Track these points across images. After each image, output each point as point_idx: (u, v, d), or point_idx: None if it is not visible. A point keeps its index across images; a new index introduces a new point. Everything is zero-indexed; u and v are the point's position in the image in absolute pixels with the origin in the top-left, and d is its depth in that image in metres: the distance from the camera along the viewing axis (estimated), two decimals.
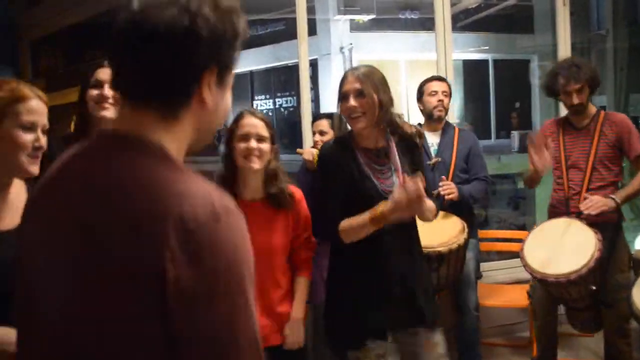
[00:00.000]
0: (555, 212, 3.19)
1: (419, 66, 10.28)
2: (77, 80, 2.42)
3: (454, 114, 4.05)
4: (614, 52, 7.89)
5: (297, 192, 2.45)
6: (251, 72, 14.05)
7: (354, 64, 11.66)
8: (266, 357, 2.28)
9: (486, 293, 3.66)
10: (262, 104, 14.11)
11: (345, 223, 2.23)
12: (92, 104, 2.25)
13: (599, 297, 2.94)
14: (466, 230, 2.96)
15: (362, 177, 2.25)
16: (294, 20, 3.82)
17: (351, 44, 11.75)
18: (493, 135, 13.44)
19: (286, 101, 13.96)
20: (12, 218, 1.57)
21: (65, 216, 0.91)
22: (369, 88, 2.23)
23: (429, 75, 3.57)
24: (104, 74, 2.22)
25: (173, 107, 0.95)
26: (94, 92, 2.24)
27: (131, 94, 0.95)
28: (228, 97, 1.02)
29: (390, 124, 2.30)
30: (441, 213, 2.95)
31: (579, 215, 3.01)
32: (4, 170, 1.60)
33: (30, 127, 1.57)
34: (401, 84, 12.63)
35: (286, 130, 13.03)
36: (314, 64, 11.41)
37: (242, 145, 2.29)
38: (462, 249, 2.93)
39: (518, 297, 3.62)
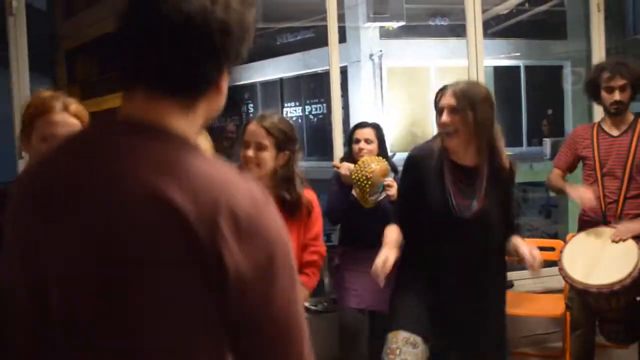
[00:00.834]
0: (588, 221, 3.12)
1: (450, 73, 10.20)
2: (112, 88, 2.47)
3: None
4: None
5: (313, 199, 2.46)
6: (281, 80, 14.12)
7: (384, 71, 11.68)
8: None
9: (517, 302, 3.61)
10: (292, 111, 14.17)
11: (388, 231, 2.30)
12: None
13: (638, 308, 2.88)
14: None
15: (440, 192, 2.24)
16: (324, 27, 3.84)
17: (381, 51, 11.73)
18: (524, 142, 13.25)
19: (316, 108, 13.99)
20: None
21: (94, 211, 0.86)
22: (464, 104, 2.16)
23: None
24: None
25: (195, 96, 0.95)
26: None
27: (154, 83, 0.92)
28: (226, 82, 1.02)
29: (488, 145, 2.25)
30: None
31: (616, 224, 2.95)
32: None
33: (51, 139, 1.60)
34: (431, 91, 12.57)
35: (315, 137, 13.06)
36: (343, 71, 11.42)
37: (242, 152, 2.35)
38: None
39: (550, 306, 3.56)
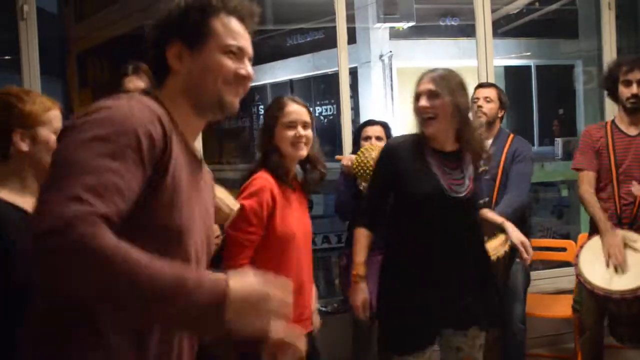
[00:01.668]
0: None
1: (460, 73, 10.16)
2: (123, 90, 2.48)
3: None
4: None
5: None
6: (291, 81, 14.13)
7: (394, 72, 11.65)
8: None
9: (529, 303, 3.58)
10: None
11: (357, 235, 2.32)
12: None
13: None
14: (508, 242, 2.90)
15: (428, 176, 2.22)
16: (334, 29, 3.83)
17: (391, 51, 11.70)
18: (536, 142, 13.17)
19: (326, 109, 13.98)
20: None
21: None
22: (443, 90, 2.18)
23: (470, 83, 3.53)
24: (131, 82, 2.24)
25: (159, 76, 1.30)
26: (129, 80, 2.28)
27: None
28: (211, 58, 1.25)
29: (467, 130, 2.26)
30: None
31: (631, 226, 2.90)
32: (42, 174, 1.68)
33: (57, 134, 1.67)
34: None
35: (326, 138, 13.05)
36: (353, 72, 11.41)
37: (289, 132, 2.26)
38: (503, 261, 2.87)
39: (562, 307, 3.54)
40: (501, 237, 2.93)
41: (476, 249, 2.35)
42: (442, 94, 2.17)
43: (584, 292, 3.03)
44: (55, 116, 1.72)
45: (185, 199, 1.17)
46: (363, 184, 3.02)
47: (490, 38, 3.97)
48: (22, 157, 1.68)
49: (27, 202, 1.62)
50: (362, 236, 2.34)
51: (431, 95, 2.18)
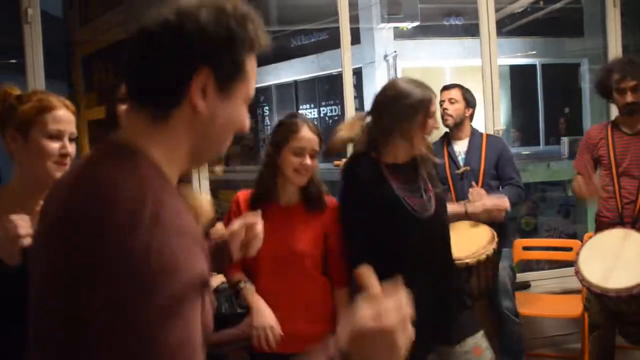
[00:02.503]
0: (604, 221, 3.08)
1: (465, 73, 10.16)
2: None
3: (500, 120, 3.99)
4: None
5: (332, 201, 2.39)
6: (295, 82, 14.14)
7: (399, 72, 11.64)
8: None
9: (535, 303, 3.57)
10: (307, 113, 14.18)
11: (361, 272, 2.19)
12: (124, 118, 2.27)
13: None
14: (496, 239, 2.88)
15: (393, 201, 2.17)
16: (338, 29, 3.83)
17: (395, 51, 11.69)
18: (542, 141, 13.14)
19: (331, 110, 13.99)
20: None
21: (50, 216, 0.93)
22: (374, 114, 2.29)
23: (474, 82, 3.54)
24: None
25: (162, 108, 0.94)
26: (123, 107, 2.24)
27: (130, 94, 0.97)
28: (236, 109, 0.99)
29: (408, 139, 2.24)
30: (470, 222, 2.92)
31: (634, 225, 2.90)
32: (33, 178, 1.68)
33: (57, 135, 1.65)
34: None
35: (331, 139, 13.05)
36: (358, 73, 11.41)
37: (296, 159, 2.24)
38: (491, 258, 2.86)
39: (568, 307, 3.52)
40: (488, 234, 2.91)
41: (446, 266, 2.32)
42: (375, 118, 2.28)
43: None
44: (53, 117, 1.66)
45: None
46: None
47: (494, 37, 3.96)
48: (13, 157, 1.69)
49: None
50: (365, 272, 2.27)
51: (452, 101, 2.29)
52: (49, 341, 0.85)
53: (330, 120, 13.98)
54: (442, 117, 3.37)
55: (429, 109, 2.20)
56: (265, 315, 2.19)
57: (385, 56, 11.79)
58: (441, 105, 3.36)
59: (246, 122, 1.02)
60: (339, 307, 2.33)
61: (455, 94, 3.42)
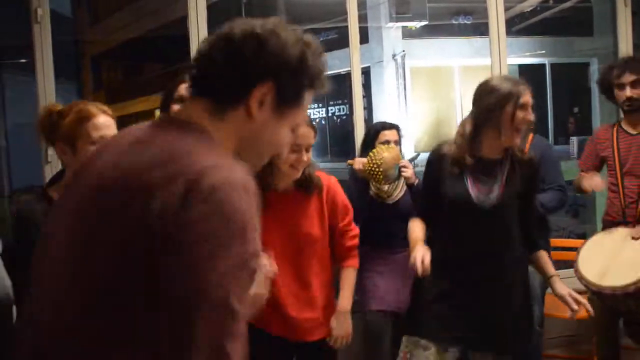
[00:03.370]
0: (609, 221, 3.06)
1: (473, 72, 10.13)
2: (136, 92, 2.50)
3: None
4: None
5: (327, 178, 2.40)
6: None
7: (407, 71, 11.63)
8: (301, 352, 2.25)
9: (545, 303, 3.55)
10: (315, 112, 14.20)
11: (412, 224, 2.37)
12: None
13: None
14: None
15: (457, 182, 2.27)
16: (346, 28, 3.83)
17: (403, 51, 11.69)
18: (551, 141, 13.11)
19: (339, 109, 14.00)
20: None
21: (107, 183, 0.96)
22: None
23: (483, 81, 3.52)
24: (185, 90, 2.22)
25: (222, 104, 1.03)
26: (177, 107, 2.28)
27: (194, 84, 1.07)
28: (282, 131, 1.08)
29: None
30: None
31: (637, 223, 2.88)
32: None
33: (100, 142, 1.72)
34: (455, 91, 12.48)
35: (338, 139, 13.05)
36: (366, 72, 11.41)
37: (292, 156, 2.23)
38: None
39: (579, 307, 3.50)
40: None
41: (504, 264, 2.29)
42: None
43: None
44: (93, 125, 1.76)
45: None
46: (375, 185, 3.01)
47: (503, 36, 3.94)
48: (66, 167, 1.84)
49: None
50: (414, 222, 2.38)
51: (533, 109, 2.25)
52: (115, 311, 0.89)
53: (338, 120, 13.98)
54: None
55: (518, 101, 2.22)
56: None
57: (394, 55, 11.78)
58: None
59: (285, 147, 1.12)
60: (345, 284, 2.38)
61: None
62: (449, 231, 2.30)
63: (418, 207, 2.51)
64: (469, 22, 11.76)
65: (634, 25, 4.27)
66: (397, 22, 11.18)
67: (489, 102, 2.22)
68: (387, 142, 3.09)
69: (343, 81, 12.30)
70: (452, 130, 3.45)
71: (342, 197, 2.43)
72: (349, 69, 3.92)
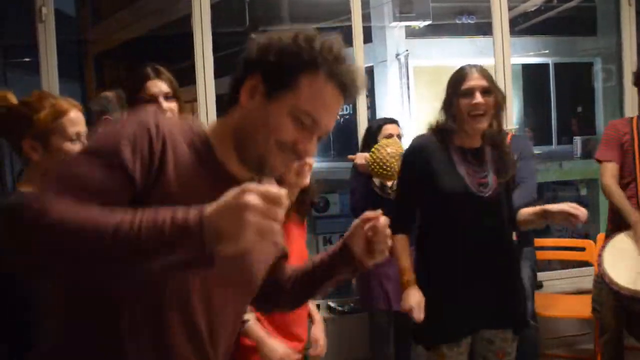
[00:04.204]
0: (623, 221, 3.03)
1: None
2: None
3: (513, 120, 3.97)
4: None
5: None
6: None
7: (410, 71, 11.61)
8: None
9: (547, 303, 3.55)
10: None
11: (396, 242, 2.18)
12: None
13: None
14: (514, 237, 2.87)
15: (453, 176, 2.22)
16: (349, 28, 3.83)
17: (407, 50, 11.66)
18: (554, 141, 13.06)
19: (342, 108, 13.98)
20: None
21: None
22: (494, 86, 2.19)
23: None
24: (155, 86, 2.10)
25: (229, 106, 1.17)
26: (152, 107, 2.18)
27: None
28: (277, 116, 1.11)
29: (496, 127, 2.26)
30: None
31: None
32: None
33: (77, 138, 1.68)
34: None
35: (342, 138, 13.04)
36: (369, 71, 11.39)
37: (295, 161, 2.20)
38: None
39: (580, 307, 3.50)
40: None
41: (503, 250, 2.31)
42: (493, 91, 2.18)
43: (604, 292, 3.00)
44: (69, 121, 1.68)
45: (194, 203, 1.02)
46: (378, 181, 3.02)
47: (507, 36, 3.94)
48: (35, 165, 1.68)
49: None
50: (401, 242, 2.29)
51: (484, 91, 2.16)
52: None
53: (342, 119, 13.97)
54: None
55: (458, 89, 2.20)
56: (277, 349, 2.09)
57: (397, 55, 11.75)
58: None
59: (286, 132, 1.11)
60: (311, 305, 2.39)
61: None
62: (448, 226, 2.26)
63: (399, 214, 2.29)
64: (472, 22, 11.73)
65: (638, 25, 4.26)
66: (400, 21, 11.14)
67: (445, 94, 2.26)
68: (391, 135, 3.09)
69: None
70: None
71: None
72: None
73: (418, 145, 2.33)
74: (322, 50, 1.10)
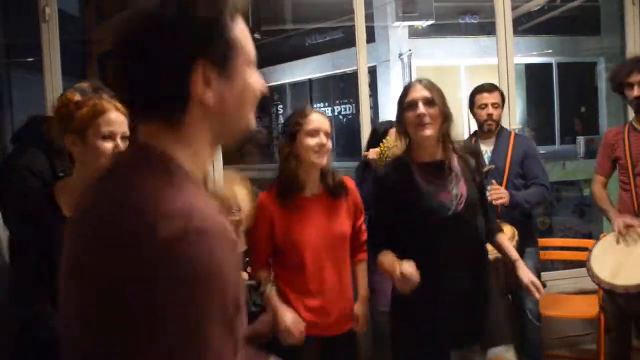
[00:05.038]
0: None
1: (480, 71, 10.11)
2: None
3: (516, 119, 3.97)
4: None
5: (349, 182, 2.54)
6: (310, 80, 14.16)
7: (413, 71, 11.61)
8: (330, 347, 2.28)
9: (550, 303, 3.55)
10: (322, 111, 14.22)
11: (382, 258, 2.25)
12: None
13: None
14: (516, 237, 2.85)
15: (418, 195, 2.21)
16: (352, 28, 3.83)
17: (410, 50, 11.67)
18: (557, 140, 13.06)
19: (345, 109, 13.99)
20: None
21: (90, 222, 0.90)
22: (437, 97, 2.22)
23: (490, 81, 3.52)
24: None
25: (173, 115, 0.91)
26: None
27: (135, 109, 0.96)
28: (244, 79, 0.96)
29: (447, 137, 2.26)
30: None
31: None
32: (91, 175, 1.73)
33: (110, 136, 1.79)
34: (461, 90, 12.45)
35: (345, 138, 13.05)
36: (372, 71, 11.40)
37: (312, 140, 2.30)
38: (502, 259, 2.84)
39: (584, 307, 3.49)
40: (507, 232, 2.89)
41: (474, 265, 2.28)
42: (437, 101, 2.20)
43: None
44: (105, 120, 1.79)
45: None
46: None
47: (510, 36, 3.93)
48: (75, 159, 1.84)
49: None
50: (386, 257, 2.26)
51: (427, 102, 2.19)
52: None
53: (345, 119, 13.97)
54: (485, 121, 3.32)
55: (402, 102, 2.25)
56: (286, 319, 2.34)
57: (400, 55, 11.76)
58: (483, 109, 3.32)
59: (260, 84, 0.99)
60: (362, 274, 2.58)
61: (496, 97, 3.36)
62: (420, 243, 2.22)
63: (377, 236, 2.33)
64: (475, 22, 11.73)
65: None
66: (403, 21, 11.15)
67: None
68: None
69: (349, 80, 12.32)
70: (457, 130, 3.45)
71: (359, 198, 2.57)
72: (355, 68, 3.92)
73: (379, 179, 2.36)
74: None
